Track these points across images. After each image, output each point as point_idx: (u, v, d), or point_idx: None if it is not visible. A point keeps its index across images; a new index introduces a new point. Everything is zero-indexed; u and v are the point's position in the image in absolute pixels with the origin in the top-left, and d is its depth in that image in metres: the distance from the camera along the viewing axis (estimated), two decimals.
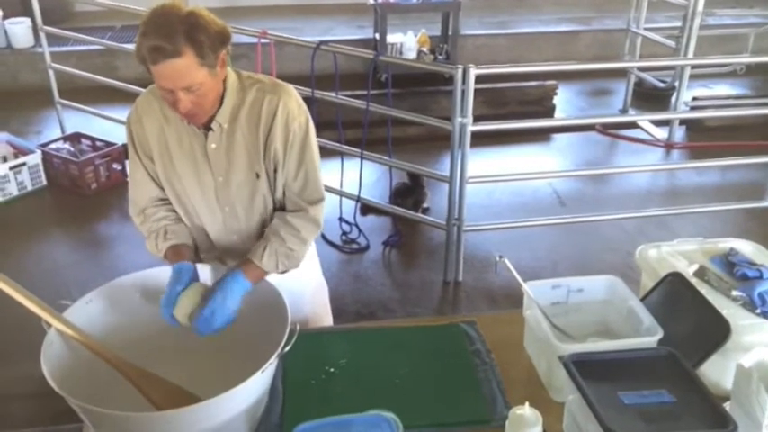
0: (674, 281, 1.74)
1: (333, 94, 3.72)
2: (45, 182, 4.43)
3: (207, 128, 1.69)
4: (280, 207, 1.81)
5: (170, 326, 1.60)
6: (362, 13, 6.56)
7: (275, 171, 1.74)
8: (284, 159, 1.73)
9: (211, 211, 1.79)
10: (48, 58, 4.85)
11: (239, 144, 1.70)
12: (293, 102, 1.72)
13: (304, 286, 1.96)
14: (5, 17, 6.00)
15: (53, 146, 4.51)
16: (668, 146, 5.17)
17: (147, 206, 1.81)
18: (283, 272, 1.80)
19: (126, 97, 4.64)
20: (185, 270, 1.63)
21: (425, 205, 4.15)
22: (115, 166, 4.44)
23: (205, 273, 1.74)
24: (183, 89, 1.53)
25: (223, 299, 1.59)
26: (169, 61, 1.49)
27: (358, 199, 3.90)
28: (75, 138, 4.65)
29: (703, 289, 1.71)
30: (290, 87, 1.75)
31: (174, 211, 1.82)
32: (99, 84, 4.78)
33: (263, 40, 3.76)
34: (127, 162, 4.40)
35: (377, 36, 5.91)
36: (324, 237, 3.88)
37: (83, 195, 4.34)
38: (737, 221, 4.07)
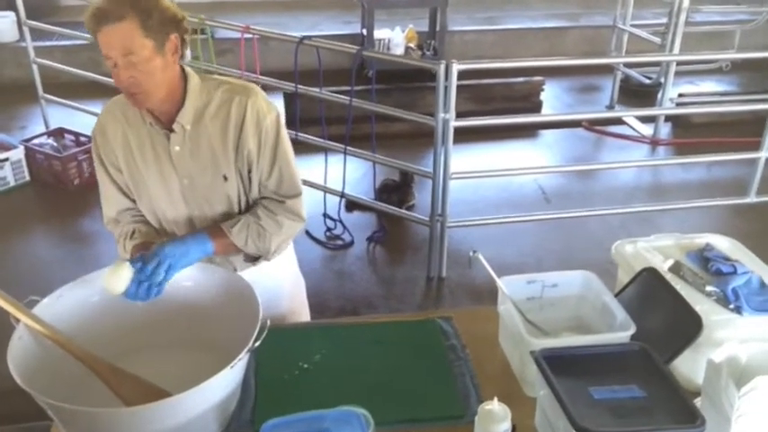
0: (649, 276, 1.74)
1: (317, 90, 3.71)
2: (28, 177, 4.41)
3: (169, 129, 1.67)
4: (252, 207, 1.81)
5: (141, 323, 1.59)
6: (350, 9, 6.55)
7: (249, 171, 1.74)
8: (258, 158, 1.72)
9: (179, 214, 1.77)
10: (31, 53, 4.82)
11: (205, 146, 1.69)
12: (261, 100, 1.71)
13: (282, 282, 1.95)
14: None
15: (36, 141, 4.49)
16: (654, 142, 5.19)
17: (118, 215, 1.81)
18: (254, 259, 1.80)
19: (110, 92, 4.57)
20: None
21: (411, 203, 4.15)
22: None
23: (193, 272, 1.70)
24: (123, 56, 1.51)
25: (182, 247, 1.59)
26: (111, 25, 1.48)
27: (342, 195, 3.89)
28: (58, 133, 4.63)
29: (678, 284, 1.71)
30: (258, 87, 1.74)
31: (143, 215, 1.82)
32: (83, 79, 4.75)
33: (246, 35, 3.75)
34: None
35: (364, 32, 5.90)
36: (308, 233, 3.88)
37: (66, 191, 4.32)
38: (722, 217, 4.09)
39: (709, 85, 6.10)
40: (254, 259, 1.84)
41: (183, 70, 1.68)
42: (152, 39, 1.53)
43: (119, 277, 1.53)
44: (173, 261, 1.57)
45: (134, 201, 1.80)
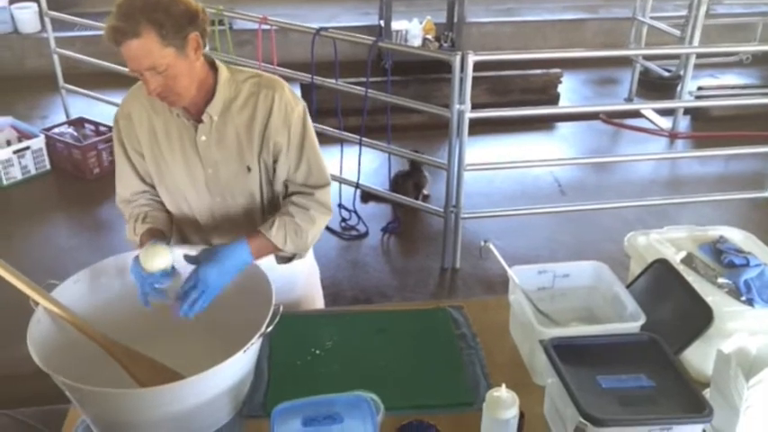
0: (660, 267, 1.74)
1: (333, 81, 3.72)
2: (48, 166, 4.47)
3: (198, 120, 1.69)
4: (276, 200, 1.82)
5: (157, 308, 1.61)
6: (369, 0, 6.55)
7: (275, 162, 1.75)
8: (286, 150, 1.73)
9: (202, 203, 1.80)
10: (52, 43, 4.88)
11: (231, 137, 1.71)
12: (288, 93, 1.73)
13: (297, 269, 1.96)
14: (12, 2, 6.04)
15: (56, 130, 4.54)
16: (672, 135, 5.15)
17: (132, 196, 1.83)
18: (290, 257, 1.81)
19: (130, 83, 4.65)
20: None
21: (426, 192, 4.16)
22: None
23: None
24: (147, 69, 1.53)
25: (219, 266, 1.57)
26: (129, 42, 1.49)
27: (357, 185, 3.91)
28: (78, 122, 4.69)
29: (690, 276, 1.71)
30: (283, 81, 1.75)
31: (157, 199, 1.84)
32: (103, 69, 4.79)
33: (263, 26, 3.77)
34: None
35: (382, 23, 5.89)
36: None
37: (85, 180, 4.37)
38: (739, 211, 4.05)
39: (729, 78, 6.02)
40: (287, 260, 1.84)
41: (212, 63, 1.70)
42: (172, 46, 1.53)
43: (157, 256, 1.57)
44: (209, 287, 1.56)
45: (151, 185, 1.82)
